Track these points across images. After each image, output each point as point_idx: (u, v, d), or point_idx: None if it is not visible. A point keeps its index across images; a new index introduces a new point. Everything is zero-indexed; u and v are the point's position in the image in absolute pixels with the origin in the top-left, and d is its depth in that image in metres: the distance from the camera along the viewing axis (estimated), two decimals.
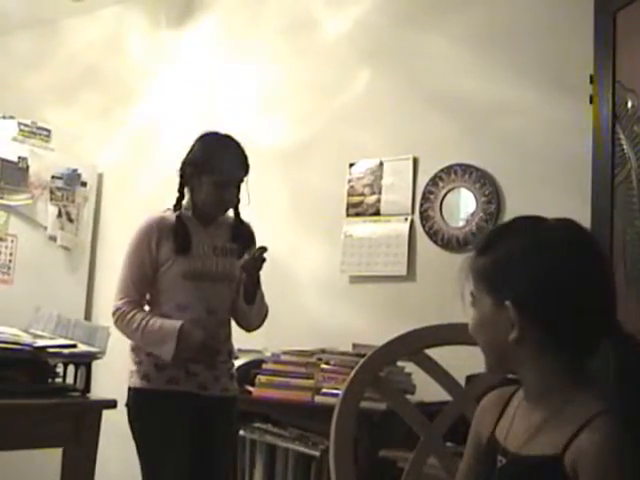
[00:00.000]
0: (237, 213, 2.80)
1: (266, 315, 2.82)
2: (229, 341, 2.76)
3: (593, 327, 1.21)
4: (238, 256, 2.71)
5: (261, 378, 3.27)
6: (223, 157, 2.67)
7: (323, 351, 3.23)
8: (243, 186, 2.73)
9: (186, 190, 2.74)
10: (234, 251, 2.73)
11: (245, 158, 2.71)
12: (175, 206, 2.73)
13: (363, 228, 3.70)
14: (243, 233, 2.78)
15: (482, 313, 1.28)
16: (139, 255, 2.64)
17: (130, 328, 2.59)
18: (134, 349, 2.67)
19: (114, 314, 2.61)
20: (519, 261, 1.23)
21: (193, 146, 2.75)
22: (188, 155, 2.74)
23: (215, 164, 2.66)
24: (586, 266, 1.22)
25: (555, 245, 1.23)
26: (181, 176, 2.74)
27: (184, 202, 2.73)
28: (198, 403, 2.64)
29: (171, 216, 2.70)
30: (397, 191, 3.63)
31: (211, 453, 2.69)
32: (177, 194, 2.74)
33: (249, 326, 2.82)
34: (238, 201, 2.75)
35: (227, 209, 2.74)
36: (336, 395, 1.84)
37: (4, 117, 4.45)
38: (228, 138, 2.75)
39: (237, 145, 2.73)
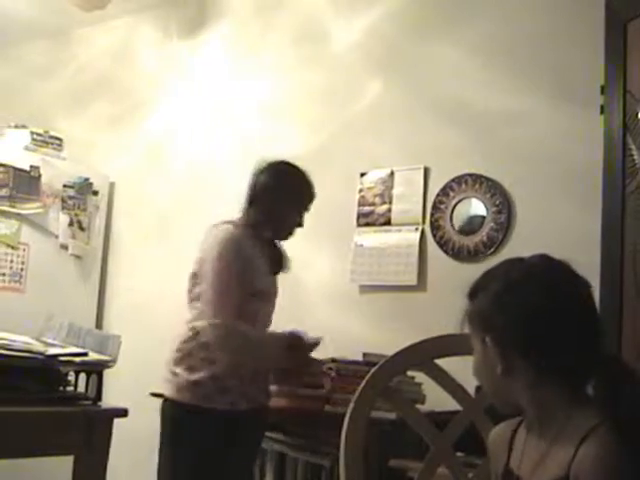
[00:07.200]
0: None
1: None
2: None
3: (575, 352, 1.29)
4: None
5: (271, 387, 3.26)
6: (310, 189, 2.86)
7: (333, 360, 3.22)
8: None
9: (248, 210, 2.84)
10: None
11: None
12: (255, 226, 2.79)
13: (374, 238, 3.70)
14: (279, 253, 2.93)
15: (476, 354, 1.40)
16: None
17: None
18: None
19: None
20: (495, 303, 1.36)
21: (270, 173, 2.85)
22: (267, 181, 2.83)
23: (305, 196, 2.86)
24: (556, 297, 1.33)
25: (524, 282, 1.36)
26: (255, 199, 2.83)
27: (237, 221, 2.79)
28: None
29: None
30: (408, 201, 3.63)
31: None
32: (255, 215, 2.81)
33: None
34: None
35: None
36: (346, 404, 1.84)
37: (16, 126, 4.48)
38: (302, 170, 2.90)
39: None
